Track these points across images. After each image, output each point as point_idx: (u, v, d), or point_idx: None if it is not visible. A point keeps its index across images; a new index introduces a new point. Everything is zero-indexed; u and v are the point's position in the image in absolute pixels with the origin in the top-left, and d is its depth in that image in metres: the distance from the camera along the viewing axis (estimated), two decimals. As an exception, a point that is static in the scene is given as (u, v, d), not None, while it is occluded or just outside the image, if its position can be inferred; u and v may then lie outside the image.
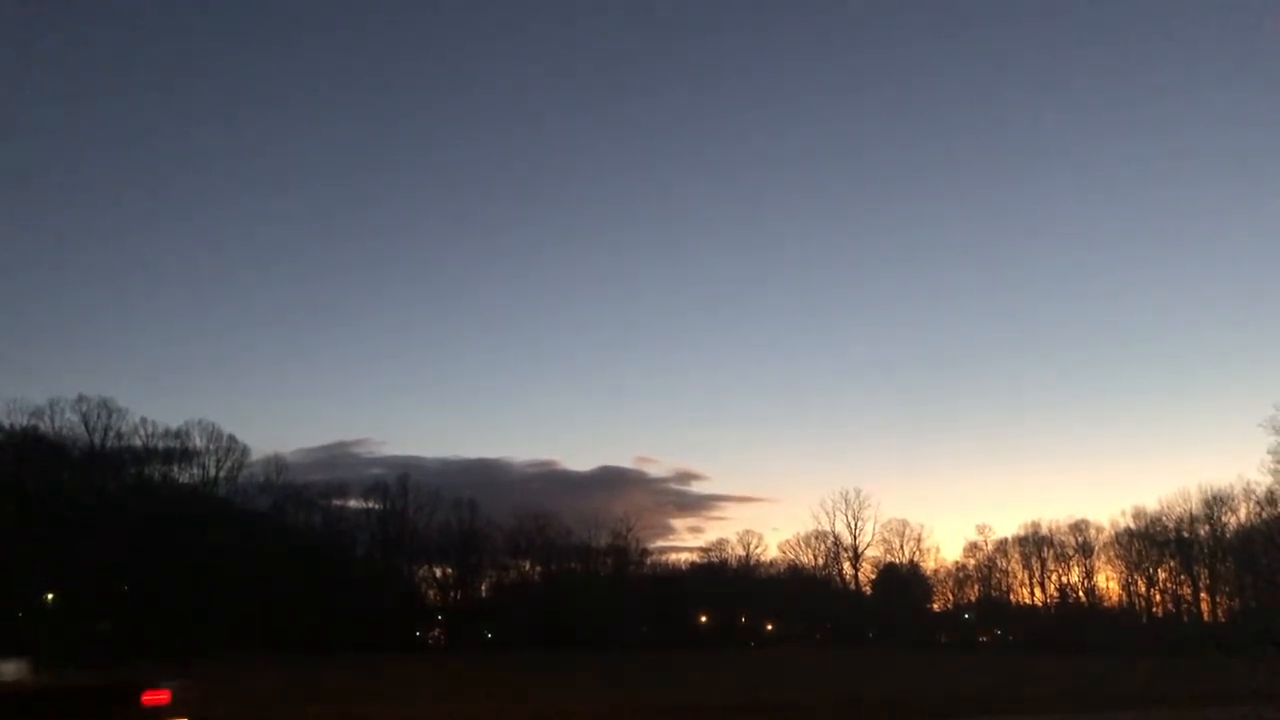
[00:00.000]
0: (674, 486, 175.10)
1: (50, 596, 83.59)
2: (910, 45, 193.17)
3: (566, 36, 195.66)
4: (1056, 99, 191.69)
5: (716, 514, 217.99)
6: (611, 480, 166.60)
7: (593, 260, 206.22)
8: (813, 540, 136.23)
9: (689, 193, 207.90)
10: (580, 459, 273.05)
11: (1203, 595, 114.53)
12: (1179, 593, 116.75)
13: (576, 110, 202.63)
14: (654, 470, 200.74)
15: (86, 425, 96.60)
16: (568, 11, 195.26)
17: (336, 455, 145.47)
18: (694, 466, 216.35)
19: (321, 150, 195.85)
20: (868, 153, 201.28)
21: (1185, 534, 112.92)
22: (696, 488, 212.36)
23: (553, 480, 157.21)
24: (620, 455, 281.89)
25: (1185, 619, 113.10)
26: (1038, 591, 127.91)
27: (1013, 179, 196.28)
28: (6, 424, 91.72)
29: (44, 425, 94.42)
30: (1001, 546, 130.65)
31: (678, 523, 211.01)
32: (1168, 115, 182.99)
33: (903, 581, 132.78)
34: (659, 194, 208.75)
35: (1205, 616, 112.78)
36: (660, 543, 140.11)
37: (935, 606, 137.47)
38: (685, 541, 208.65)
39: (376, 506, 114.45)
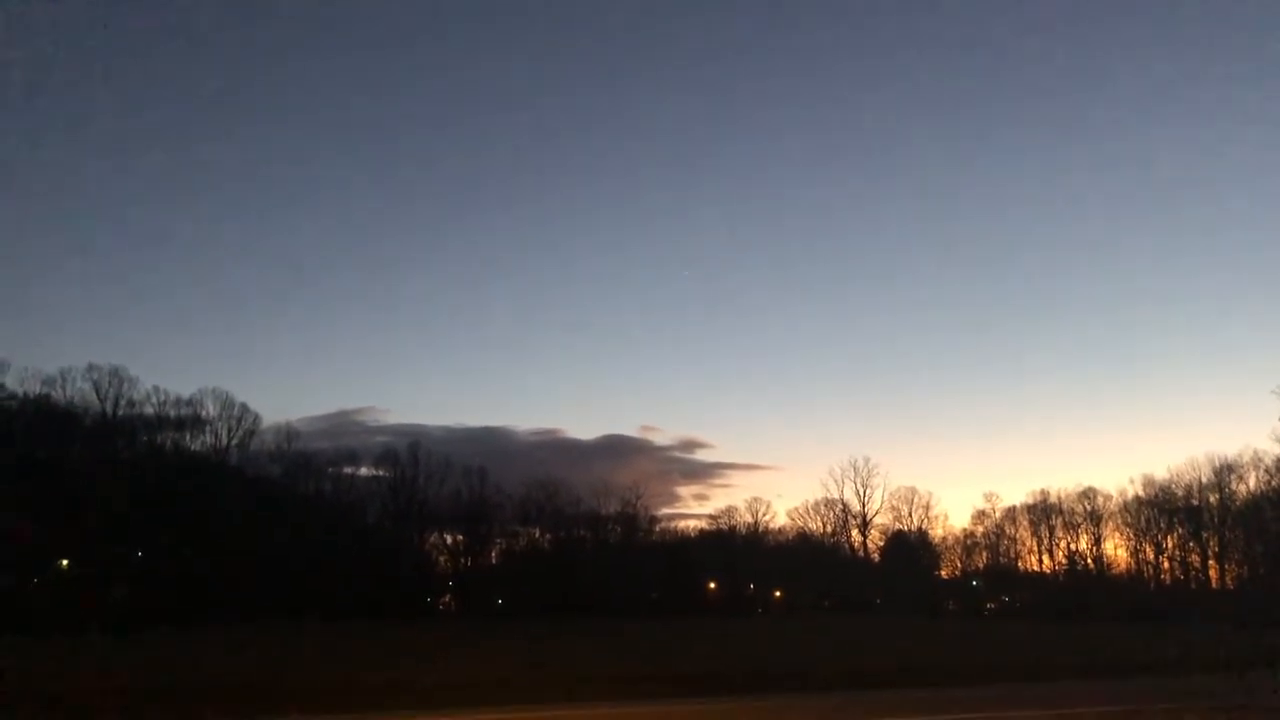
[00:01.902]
0: (679, 455, 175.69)
1: (64, 564, 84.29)
2: (916, 33, 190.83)
3: (563, 22, 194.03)
4: (1083, 61, 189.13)
5: (722, 482, 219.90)
6: (616, 448, 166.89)
7: (596, 228, 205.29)
8: (821, 508, 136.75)
9: (692, 162, 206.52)
10: (585, 427, 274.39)
11: (1211, 563, 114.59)
12: (1188, 560, 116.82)
13: (578, 85, 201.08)
14: (659, 439, 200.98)
15: (98, 394, 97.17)
16: (568, 7, 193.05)
17: (341, 424, 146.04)
18: (699, 435, 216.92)
19: (326, 123, 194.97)
20: (871, 125, 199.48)
21: (1194, 502, 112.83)
22: (702, 456, 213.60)
23: (557, 449, 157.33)
24: (625, 423, 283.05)
25: (1193, 586, 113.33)
26: (1046, 559, 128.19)
27: (1018, 147, 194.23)
28: (19, 392, 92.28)
29: (56, 394, 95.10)
30: (1010, 514, 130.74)
31: (684, 490, 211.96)
32: (1176, 82, 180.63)
33: (911, 549, 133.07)
34: (662, 164, 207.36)
35: (1213, 584, 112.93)
36: (666, 510, 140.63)
37: (944, 574, 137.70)
38: (691, 509, 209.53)
39: (386, 475, 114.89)
